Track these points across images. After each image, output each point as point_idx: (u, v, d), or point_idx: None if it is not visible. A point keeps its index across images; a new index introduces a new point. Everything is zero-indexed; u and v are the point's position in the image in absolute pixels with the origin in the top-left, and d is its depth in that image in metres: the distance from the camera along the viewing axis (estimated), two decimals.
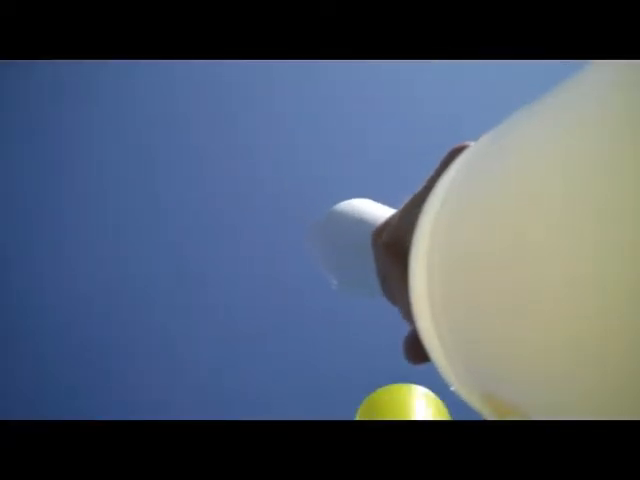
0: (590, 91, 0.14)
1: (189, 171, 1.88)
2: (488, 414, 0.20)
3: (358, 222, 0.38)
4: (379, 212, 0.39)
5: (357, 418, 0.52)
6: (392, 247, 0.30)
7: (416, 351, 0.31)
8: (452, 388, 0.21)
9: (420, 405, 0.48)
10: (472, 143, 0.31)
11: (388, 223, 0.32)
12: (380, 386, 1.42)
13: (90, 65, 1.94)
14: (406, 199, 0.32)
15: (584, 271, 0.13)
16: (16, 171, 1.87)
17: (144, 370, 1.53)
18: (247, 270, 1.69)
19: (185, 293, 1.66)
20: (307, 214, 1.74)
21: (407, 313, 0.31)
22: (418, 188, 0.32)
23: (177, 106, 2.00)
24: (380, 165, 1.88)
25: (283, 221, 1.77)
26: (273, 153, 1.92)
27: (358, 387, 1.48)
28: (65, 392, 1.49)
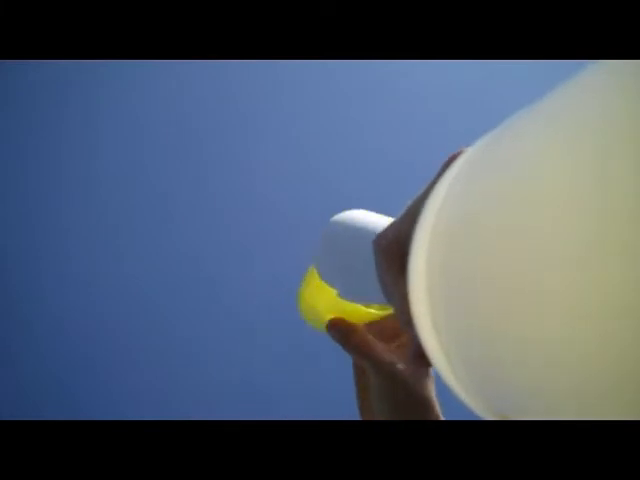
0: (591, 95, 0.14)
1: (191, 171, 1.88)
2: (483, 412, 0.20)
3: (359, 231, 0.38)
4: (380, 221, 0.39)
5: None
6: (390, 253, 0.30)
7: (419, 360, 0.30)
8: (457, 395, 0.21)
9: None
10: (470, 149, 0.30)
11: (389, 229, 0.32)
12: None
13: (90, 65, 1.94)
14: (407, 204, 0.32)
15: (586, 277, 0.13)
16: (17, 171, 1.87)
17: (144, 370, 1.53)
18: (249, 271, 1.69)
19: (186, 294, 1.66)
20: (307, 212, 1.74)
21: (406, 322, 0.30)
22: (418, 192, 0.31)
23: (179, 106, 2.00)
24: (380, 164, 1.88)
25: (285, 221, 1.77)
26: (276, 154, 1.92)
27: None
28: (65, 392, 1.49)
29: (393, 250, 0.29)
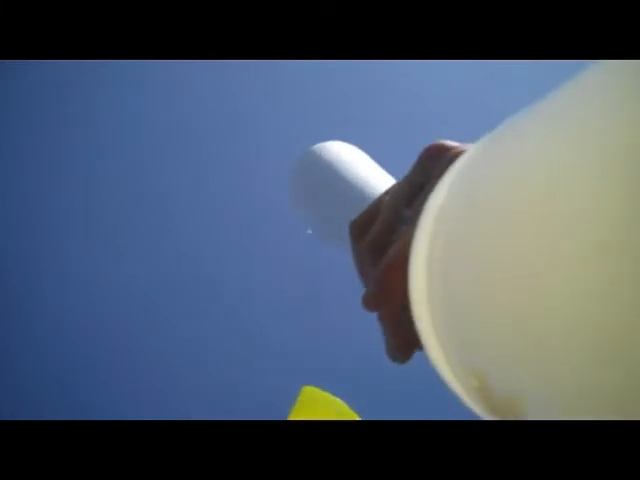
0: (591, 95, 0.14)
1: (191, 171, 1.88)
2: (483, 412, 0.20)
3: (343, 188, 0.39)
4: (368, 180, 0.38)
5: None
6: (360, 240, 0.31)
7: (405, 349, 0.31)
8: (444, 381, 0.21)
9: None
10: (450, 142, 0.31)
11: (368, 217, 0.33)
12: (383, 386, 1.41)
13: (90, 65, 1.94)
14: (385, 195, 0.33)
15: (586, 278, 0.13)
16: (17, 171, 1.87)
17: (144, 370, 1.53)
18: (249, 271, 1.69)
19: (186, 294, 1.66)
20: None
21: (387, 314, 0.30)
22: (395, 186, 0.32)
23: (179, 106, 2.00)
24: (380, 164, 1.88)
25: (285, 221, 1.76)
26: (276, 154, 1.92)
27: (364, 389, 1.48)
28: (65, 392, 1.49)
29: (363, 236, 0.31)
